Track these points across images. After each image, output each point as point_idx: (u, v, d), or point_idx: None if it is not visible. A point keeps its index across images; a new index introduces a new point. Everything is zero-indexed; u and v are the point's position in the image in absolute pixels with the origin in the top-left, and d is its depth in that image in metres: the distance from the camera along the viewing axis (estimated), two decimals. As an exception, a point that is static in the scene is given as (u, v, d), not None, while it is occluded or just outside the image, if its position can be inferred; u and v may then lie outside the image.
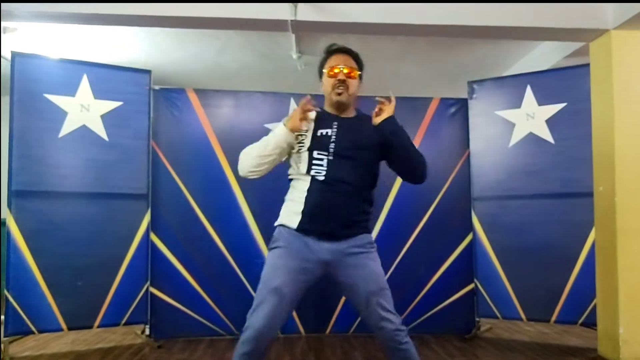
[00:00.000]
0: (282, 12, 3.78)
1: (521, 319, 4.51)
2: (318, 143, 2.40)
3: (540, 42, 5.11)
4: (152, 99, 4.45)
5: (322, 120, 2.48)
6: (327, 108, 2.56)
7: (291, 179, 2.52)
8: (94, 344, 4.31)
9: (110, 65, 4.47)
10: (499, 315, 4.57)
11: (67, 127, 4.15)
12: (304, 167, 2.39)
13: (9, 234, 3.91)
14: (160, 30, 4.72)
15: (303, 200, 2.36)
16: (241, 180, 4.48)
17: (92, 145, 4.23)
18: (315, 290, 4.46)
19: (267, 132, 4.37)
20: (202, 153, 4.52)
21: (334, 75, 2.45)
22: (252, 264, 4.47)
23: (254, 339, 2.21)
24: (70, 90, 4.18)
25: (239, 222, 4.51)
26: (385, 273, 4.53)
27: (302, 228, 2.33)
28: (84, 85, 4.22)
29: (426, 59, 5.56)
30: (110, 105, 4.30)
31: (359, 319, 4.52)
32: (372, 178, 2.50)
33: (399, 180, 4.62)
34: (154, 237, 4.40)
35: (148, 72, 4.48)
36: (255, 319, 2.24)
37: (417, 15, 3.87)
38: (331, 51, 2.54)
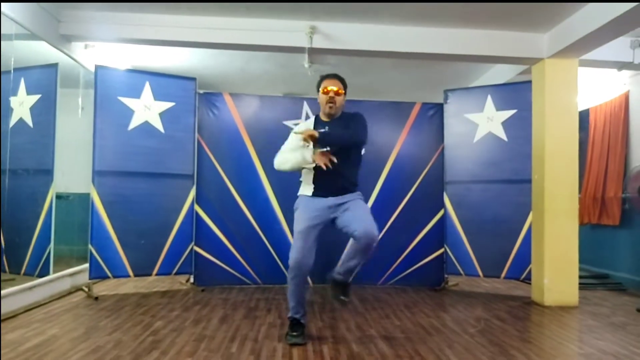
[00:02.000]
0: (300, 40, 5.04)
1: (479, 276, 5.80)
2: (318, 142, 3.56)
3: (496, 64, 6.37)
4: (197, 101, 5.72)
5: (317, 123, 3.78)
6: (322, 115, 3.83)
7: (302, 167, 3.73)
8: (152, 288, 5.62)
9: (166, 74, 5.73)
10: (462, 272, 5.86)
11: (134, 122, 5.39)
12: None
13: (92, 203, 5.18)
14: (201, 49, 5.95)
15: (311, 177, 3.70)
16: (265, 165, 5.77)
17: (152, 137, 5.47)
18: (321, 250, 5.82)
19: (284, 127, 5.70)
20: (235, 143, 5.80)
21: (327, 93, 3.70)
22: (272, 229, 5.81)
23: (295, 266, 3.58)
24: (136, 93, 5.41)
25: (262, 197, 5.80)
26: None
27: (315, 194, 3.68)
28: (147, 89, 5.45)
29: (410, 71, 6.76)
30: (166, 105, 5.54)
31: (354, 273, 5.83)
32: (356, 157, 3.79)
33: (387, 168, 5.92)
34: (197, 208, 5.69)
35: (194, 79, 5.74)
36: (292, 253, 3.58)
37: (399, 44, 5.15)
38: (325, 77, 3.79)
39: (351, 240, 3.63)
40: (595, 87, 6.63)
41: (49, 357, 3.20)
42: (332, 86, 3.70)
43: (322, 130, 3.63)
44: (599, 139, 6.60)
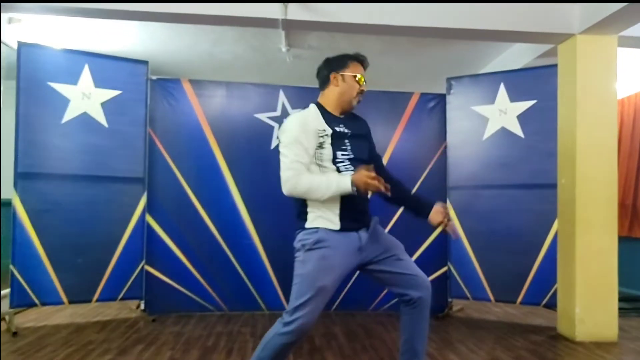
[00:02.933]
0: (273, 11, 4.03)
1: (490, 300, 4.85)
2: (338, 145, 2.48)
3: (513, 43, 5.39)
4: (149, 89, 4.72)
5: (329, 119, 2.52)
6: (330, 107, 2.57)
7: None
8: (92, 317, 4.60)
9: (110, 55, 4.72)
10: (469, 296, 4.91)
11: (69, 114, 4.40)
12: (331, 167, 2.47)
13: (14, 213, 4.17)
14: (156, 24, 4.93)
15: (338, 202, 2.44)
16: (232, 166, 4.80)
17: (93, 131, 4.48)
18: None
19: (257, 121, 4.72)
20: (195, 140, 4.79)
21: (360, 84, 2.57)
22: (241, 244, 4.82)
23: (300, 332, 2.34)
24: (72, 78, 4.42)
25: (229, 205, 4.80)
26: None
27: (343, 227, 2.44)
28: (86, 74, 4.46)
29: (407, 56, 5.81)
30: (110, 93, 4.56)
31: (340, 297, 4.86)
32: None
33: (379, 170, 4.93)
34: (149, 219, 4.68)
35: (145, 62, 4.74)
36: (306, 315, 2.32)
37: (399, 17, 4.13)
38: (361, 58, 2.63)
39: (405, 310, 2.57)
40: (625, 74, 5.66)
41: None
42: (364, 74, 2.62)
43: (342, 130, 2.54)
44: (627, 135, 5.72)
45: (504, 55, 5.70)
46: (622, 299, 5.23)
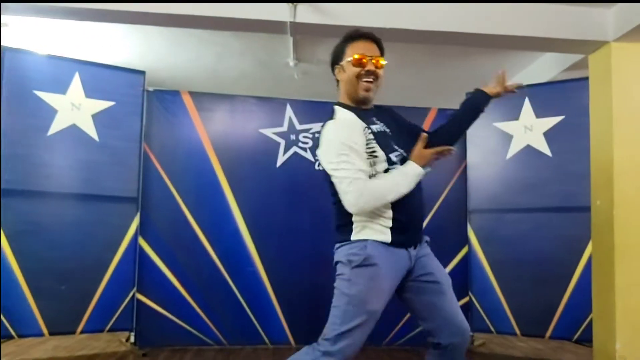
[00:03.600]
0: (281, 13, 3.72)
1: (515, 334, 4.44)
2: (385, 144, 2.13)
3: (538, 56, 5.08)
4: (145, 101, 4.37)
5: (363, 117, 2.17)
6: (352, 103, 2.23)
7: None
8: (76, 351, 4.18)
9: (104, 64, 4.38)
10: (493, 329, 4.49)
11: (57, 126, 4.05)
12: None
13: (-8, 233, 3.79)
14: (155, 32, 4.62)
15: (390, 210, 2.09)
16: (234, 187, 4.42)
17: (82, 145, 4.13)
18: (307, 301, 4.42)
19: (262, 137, 4.37)
20: (195, 157, 4.42)
21: (361, 64, 2.12)
22: (244, 272, 4.40)
23: (346, 357, 2.06)
24: (61, 88, 4.09)
25: (230, 229, 4.40)
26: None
27: (396, 241, 2.08)
28: (76, 83, 4.13)
29: (423, 69, 5.50)
30: (102, 105, 4.21)
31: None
32: None
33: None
34: (142, 242, 4.27)
35: (142, 73, 4.41)
36: (353, 343, 2.05)
37: (417, 20, 3.83)
38: (355, 36, 2.19)
39: (433, 353, 2.25)
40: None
41: None
42: (370, 53, 2.15)
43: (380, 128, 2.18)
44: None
45: (528, 69, 5.37)
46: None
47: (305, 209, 4.50)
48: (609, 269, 3.81)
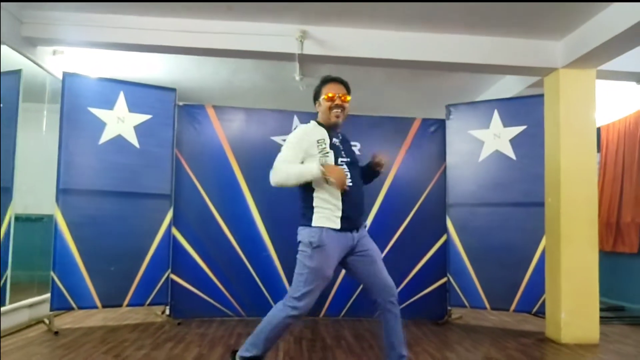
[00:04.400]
0: (290, 46, 4.55)
1: (486, 308, 5.26)
2: (337, 153, 3.01)
3: (505, 75, 5.88)
4: (176, 113, 5.21)
5: (329, 133, 3.05)
6: (325, 125, 3.12)
7: (314, 188, 2.96)
8: (122, 321, 5.04)
9: (142, 83, 5.22)
10: (467, 304, 5.31)
11: (106, 136, 4.87)
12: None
13: (56, 224, 4.63)
14: (183, 55, 5.46)
15: (340, 205, 2.93)
16: (250, 185, 5.26)
17: (125, 152, 4.94)
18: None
19: (272, 143, 5.20)
20: (218, 160, 5.27)
21: (332, 100, 3.04)
22: (259, 256, 5.26)
23: (306, 312, 2.92)
24: (109, 104, 4.91)
25: (248, 220, 5.26)
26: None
27: (342, 227, 2.93)
28: (121, 100, 4.95)
29: (410, 85, 6.29)
30: (142, 118, 5.04)
31: (348, 304, 5.30)
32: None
33: (383, 189, 5.42)
34: (175, 232, 5.14)
35: (174, 90, 5.23)
36: (312, 299, 2.90)
37: (399, 51, 4.66)
38: (328, 80, 3.14)
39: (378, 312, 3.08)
40: (607, 103, 6.15)
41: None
42: (340, 91, 3.09)
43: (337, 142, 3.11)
44: (611, 159, 6.14)
45: (498, 85, 6.20)
46: (606, 309, 5.70)
47: (310, 204, 5.36)
48: (557, 255, 4.65)
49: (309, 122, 3.18)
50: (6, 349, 3.85)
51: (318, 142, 2.99)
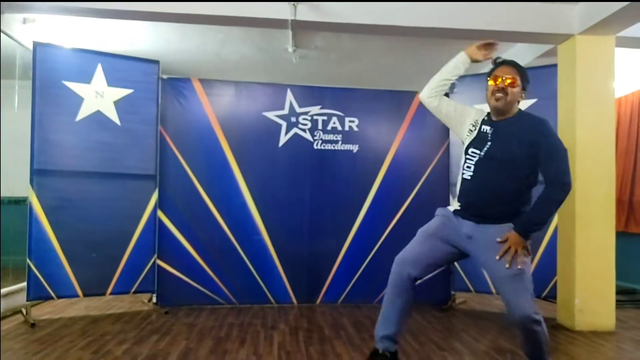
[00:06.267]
0: (283, 11, 4.18)
1: (491, 293, 4.96)
2: (477, 140, 2.78)
3: (514, 44, 5.53)
4: (160, 88, 4.84)
5: (485, 122, 2.82)
6: (492, 114, 2.83)
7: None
8: (106, 310, 4.73)
9: (123, 55, 4.84)
10: (472, 288, 5.05)
11: (83, 112, 4.51)
12: (462, 162, 2.85)
13: (31, 208, 4.29)
14: (166, 24, 5.04)
15: (458, 192, 2.85)
16: (241, 164, 4.94)
17: (106, 129, 4.60)
18: (306, 265, 4.98)
19: (265, 120, 4.86)
20: (205, 138, 4.93)
21: (495, 83, 2.75)
22: (250, 240, 4.96)
23: (397, 262, 2.97)
24: (86, 77, 4.54)
25: (238, 202, 4.94)
26: (372, 249, 5.01)
27: (456, 212, 2.82)
28: (99, 73, 4.58)
29: (411, 55, 5.92)
30: (122, 92, 4.67)
31: (347, 290, 5.02)
32: (520, 181, 2.67)
33: (383, 168, 5.11)
34: (161, 215, 4.81)
35: (157, 62, 4.86)
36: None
37: (403, 17, 4.29)
38: (499, 63, 2.84)
39: None
40: (622, 73, 5.80)
41: None
42: (506, 74, 2.75)
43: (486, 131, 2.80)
44: (624, 133, 5.87)
45: (505, 55, 5.81)
46: (618, 291, 5.37)
47: (304, 184, 5.07)
48: (571, 236, 4.36)
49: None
50: (-25, 344, 3.53)
51: (471, 125, 2.85)
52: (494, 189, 2.67)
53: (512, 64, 2.82)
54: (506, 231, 2.60)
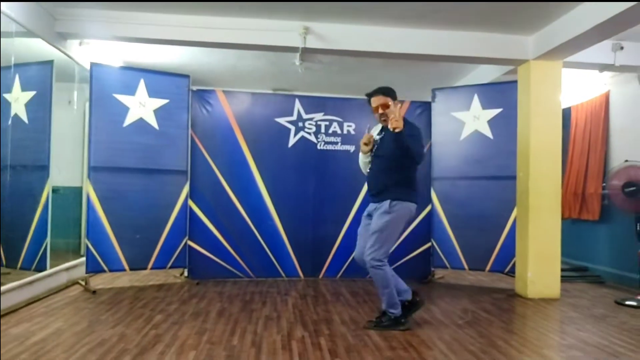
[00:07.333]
0: (294, 40, 5.14)
1: (464, 269, 6.02)
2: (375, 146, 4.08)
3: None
4: (190, 98, 5.81)
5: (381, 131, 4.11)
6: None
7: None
8: (147, 282, 5.72)
9: (160, 71, 5.81)
10: (448, 265, 6.07)
11: (129, 119, 5.48)
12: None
13: (88, 198, 5.27)
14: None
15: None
16: (257, 162, 5.93)
17: (147, 133, 5.56)
18: (310, 246, 5.93)
19: (276, 124, 5.81)
20: (228, 140, 5.92)
21: (376, 112, 4.03)
22: (265, 224, 5.96)
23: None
24: (131, 90, 5.49)
25: (255, 192, 5.95)
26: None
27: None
28: (141, 87, 5.53)
29: (402, 70, 6.84)
30: (160, 102, 5.63)
31: (344, 267, 6.02)
32: (396, 166, 3.92)
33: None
34: (191, 203, 5.80)
35: (187, 76, 5.83)
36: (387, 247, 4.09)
37: (391, 45, 5.27)
38: (368, 97, 4.10)
39: None
40: (577, 86, 6.83)
41: (56, 350, 3.30)
42: (378, 102, 4.00)
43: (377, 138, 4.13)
44: (580, 136, 6.82)
45: (477, 71, 6.81)
46: (570, 269, 6.48)
47: (309, 179, 6.09)
48: (525, 223, 5.37)
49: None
50: (55, 305, 4.52)
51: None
52: (379, 175, 4.07)
53: (378, 92, 4.05)
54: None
